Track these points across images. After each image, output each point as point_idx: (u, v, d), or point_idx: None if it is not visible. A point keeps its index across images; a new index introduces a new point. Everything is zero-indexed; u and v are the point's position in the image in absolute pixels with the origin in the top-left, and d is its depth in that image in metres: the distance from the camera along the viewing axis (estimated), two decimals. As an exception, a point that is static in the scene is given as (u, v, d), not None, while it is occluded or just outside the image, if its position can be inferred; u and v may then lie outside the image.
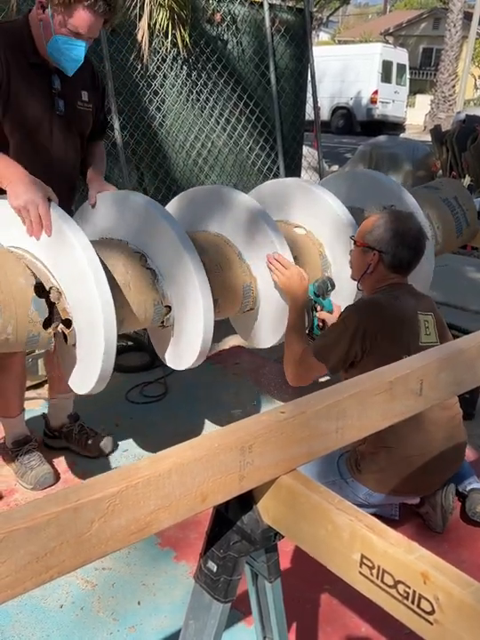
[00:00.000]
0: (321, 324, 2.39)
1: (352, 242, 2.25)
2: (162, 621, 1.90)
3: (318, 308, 2.40)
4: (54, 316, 1.91)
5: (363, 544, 0.84)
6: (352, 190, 2.89)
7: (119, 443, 2.83)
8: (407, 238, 2.12)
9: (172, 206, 2.58)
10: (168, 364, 2.32)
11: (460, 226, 3.38)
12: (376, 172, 3.27)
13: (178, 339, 2.21)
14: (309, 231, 2.65)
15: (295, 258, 2.37)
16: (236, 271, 2.34)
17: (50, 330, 1.92)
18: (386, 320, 2.05)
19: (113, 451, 2.72)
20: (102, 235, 2.26)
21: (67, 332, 1.93)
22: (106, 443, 2.68)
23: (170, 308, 2.16)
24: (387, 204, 2.96)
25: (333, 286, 2.42)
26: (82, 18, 1.98)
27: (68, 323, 1.93)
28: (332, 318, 2.36)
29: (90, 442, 2.67)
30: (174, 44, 4.33)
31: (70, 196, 2.38)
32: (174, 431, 2.93)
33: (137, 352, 3.70)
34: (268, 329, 2.45)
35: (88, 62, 2.28)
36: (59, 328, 1.93)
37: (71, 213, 2.41)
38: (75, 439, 2.69)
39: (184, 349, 2.19)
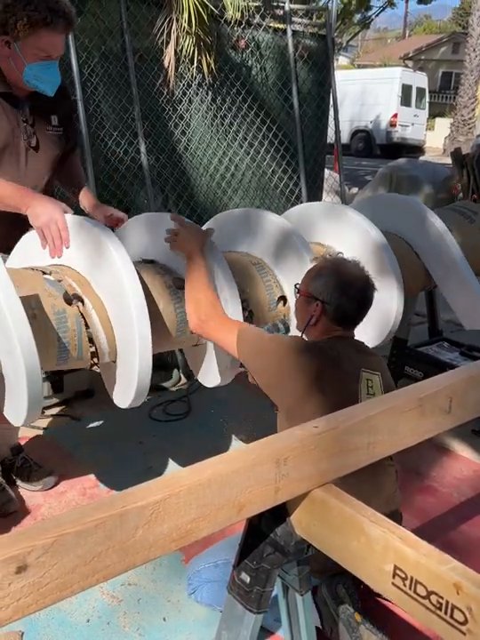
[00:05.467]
0: None
1: (296, 289, 2.10)
2: (187, 638, 1.91)
3: None
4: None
5: (396, 555, 0.86)
6: (378, 214, 2.87)
7: (143, 460, 2.87)
8: (351, 290, 1.95)
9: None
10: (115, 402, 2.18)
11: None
12: (402, 195, 3.27)
13: (122, 372, 2.07)
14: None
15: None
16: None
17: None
18: (323, 367, 1.86)
19: (54, 486, 2.65)
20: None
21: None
22: (48, 479, 2.65)
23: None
24: (411, 227, 2.96)
25: (287, 329, 2.25)
26: (47, 40, 2.07)
27: None
28: None
29: (31, 475, 2.64)
30: (200, 70, 4.42)
31: None
32: (197, 449, 2.96)
33: (160, 371, 3.74)
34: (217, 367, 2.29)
35: (60, 86, 2.34)
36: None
37: None
38: (17, 471, 2.66)
39: (126, 385, 2.06)
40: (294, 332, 2.21)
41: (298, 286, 2.08)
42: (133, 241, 2.35)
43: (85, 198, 2.51)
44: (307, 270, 2.10)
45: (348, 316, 1.97)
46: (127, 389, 2.00)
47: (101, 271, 1.96)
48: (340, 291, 1.94)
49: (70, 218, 2.03)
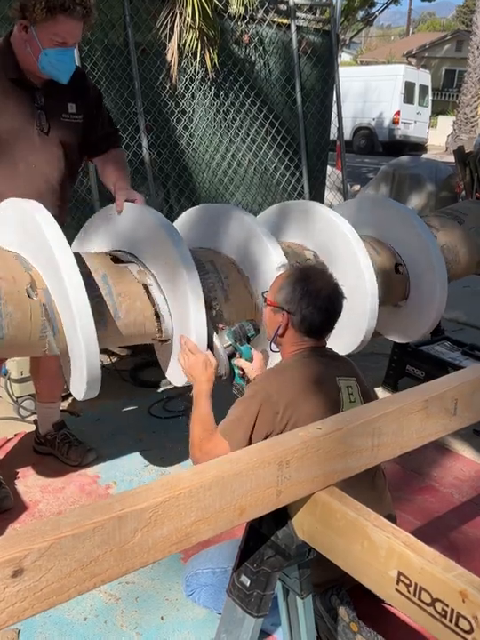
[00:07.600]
0: (241, 372, 2.19)
1: (263, 298, 2.05)
2: (185, 637, 1.90)
3: (237, 355, 2.20)
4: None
5: (400, 561, 0.84)
6: (361, 215, 2.88)
7: (142, 456, 2.85)
8: (317, 300, 1.89)
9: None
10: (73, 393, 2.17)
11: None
12: (393, 200, 3.27)
13: (74, 364, 2.06)
14: (316, 253, 2.65)
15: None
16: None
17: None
18: (300, 388, 1.82)
19: (92, 462, 2.77)
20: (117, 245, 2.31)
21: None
22: (87, 455, 2.78)
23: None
24: (393, 228, 2.93)
25: (257, 331, 2.20)
26: (64, 26, 2.11)
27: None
28: (250, 366, 2.17)
29: (70, 451, 2.77)
30: (203, 65, 4.39)
31: (58, 207, 2.38)
32: (197, 447, 2.95)
33: (160, 367, 3.72)
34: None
35: (81, 75, 2.39)
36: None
37: (63, 224, 2.45)
38: (57, 447, 2.79)
39: (76, 377, 2.06)
40: (265, 339, 2.17)
41: (265, 295, 2.04)
42: (119, 230, 2.33)
43: (116, 179, 2.42)
44: (274, 278, 2.05)
45: (314, 327, 1.92)
46: (79, 380, 2.00)
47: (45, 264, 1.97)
48: (306, 301, 1.89)
49: (24, 203, 2.01)
